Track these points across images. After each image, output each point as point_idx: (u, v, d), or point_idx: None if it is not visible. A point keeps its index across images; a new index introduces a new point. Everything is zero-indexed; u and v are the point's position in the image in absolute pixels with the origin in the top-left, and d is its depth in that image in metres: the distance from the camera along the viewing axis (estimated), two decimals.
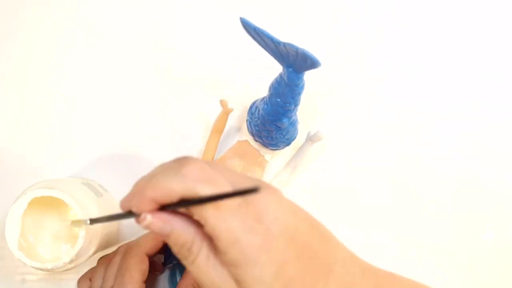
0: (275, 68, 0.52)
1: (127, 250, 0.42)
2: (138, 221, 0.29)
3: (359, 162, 0.50)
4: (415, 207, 0.50)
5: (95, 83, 0.51)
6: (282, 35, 0.52)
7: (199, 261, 0.29)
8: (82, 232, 0.40)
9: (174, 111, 0.51)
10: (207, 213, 0.27)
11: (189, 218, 0.29)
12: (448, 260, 0.49)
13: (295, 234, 0.28)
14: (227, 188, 0.28)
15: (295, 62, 0.37)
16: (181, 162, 0.29)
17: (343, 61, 0.52)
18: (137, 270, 0.41)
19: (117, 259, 0.43)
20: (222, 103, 0.45)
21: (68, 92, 0.51)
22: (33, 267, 0.40)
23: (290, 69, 0.38)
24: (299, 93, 0.41)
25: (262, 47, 0.39)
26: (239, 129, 0.51)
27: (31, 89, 0.51)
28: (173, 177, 0.28)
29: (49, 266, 0.40)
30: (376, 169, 0.50)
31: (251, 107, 0.47)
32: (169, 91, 0.52)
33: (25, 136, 0.50)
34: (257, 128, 0.46)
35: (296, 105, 0.42)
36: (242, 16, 0.36)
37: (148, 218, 0.29)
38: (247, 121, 0.47)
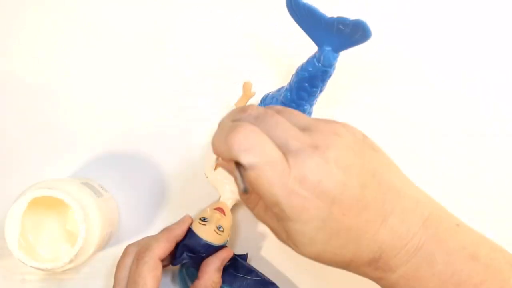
0: (277, 66, 0.52)
1: (139, 254, 0.41)
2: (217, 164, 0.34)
3: None
4: None
5: (95, 83, 0.51)
6: (282, 35, 0.53)
7: (256, 212, 0.33)
8: (81, 232, 0.40)
9: (175, 110, 0.51)
10: (250, 178, 0.28)
11: None
12: None
13: (341, 191, 0.29)
14: (273, 155, 0.28)
15: (339, 39, 0.38)
16: (232, 126, 0.29)
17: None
18: (150, 277, 0.40)
19: (127, 261, 0.42)
20: (246, 86, 0.44)
21: (68, 92, 0.51)
22: (33, 267, 0.40)
23: (329, 48, 0.39)
24: (330, 75, 0.41)
25: (302, 25, 0.39)
26: None
27: (31, 88, 0.51)
28: (223, 143, 0.29)
29: (49, 266, 0.40)
30: None
31: (264, 99, 0.46)
32: (169, 91, 0.52)
33: (25, 136, 0.50)
34: None
35: (322, 90, 0.42)
36: None
37: (221, 163, 0.33)
38: None
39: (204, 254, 0.44)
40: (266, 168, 0.28)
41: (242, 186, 0.29)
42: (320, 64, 0.40)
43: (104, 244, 0.47)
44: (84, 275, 0.49)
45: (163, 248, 0.42)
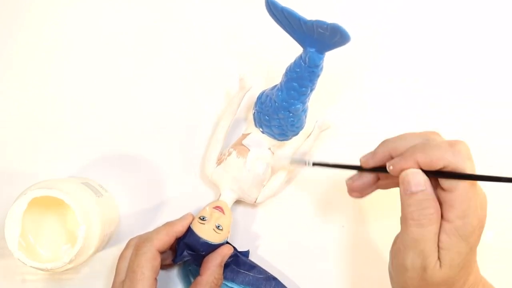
0: (276, 63, 0.52)
1: (138, 245, 0.42)
2: (394, 172, 0.36)
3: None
4: None
5: (95, 82, 0.51)
6: (281, 35, 0.52)
7: (430, 230, 0.35)
8: (81, 232, 0.40)
9: (175, 111, 0.51)
10: (459, 186, 0.34)
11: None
12: None
13: (482, 226, 0.35)
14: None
15: (321, 41, 0.38)
16: (454, 141, 0.36)
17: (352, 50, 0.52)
18: (149, 267, 0.40)
19: (128, 253, 0.43)
20: (242, 80, 0.47)
21: (68, 92, 0.51)
22: (33, 267, 0.40)
23: (313, 50, 0.39)
24: (318, 76, 0.41)
25: (284, 28, 0.39)
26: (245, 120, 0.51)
27: (31, 89, 0.51)
28: (448, 149, 0.35)
29: (49, 266, 0.40)
30: None
31: (260, 97, 0.46)
32: (169, 91, 0.52)
33: (25, 136, 0.50)
34: (267, 118, 0.45)
35: (312, 89, 0.43)
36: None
37: (409, 172, 0.35)
38: (254, 112, 0.47)
39: (203, 253, 0.44)
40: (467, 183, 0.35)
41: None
42: (306, 65, 0.40)
43: (104, 244, 0.47)
44: (84, 275, 0.49)
45: (162, 240, 0.42)
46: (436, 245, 0.35)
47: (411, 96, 0.52)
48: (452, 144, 0.35)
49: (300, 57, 0.41)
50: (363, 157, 0.39)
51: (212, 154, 0.48)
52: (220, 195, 0.47)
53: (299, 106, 0.43)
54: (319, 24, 0.36)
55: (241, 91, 0.48)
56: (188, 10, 0.53)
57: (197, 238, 0.44)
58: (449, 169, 0.34)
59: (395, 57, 0.53)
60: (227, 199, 0.47)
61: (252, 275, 0.46)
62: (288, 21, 0.38)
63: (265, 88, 0.47)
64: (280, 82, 0.43)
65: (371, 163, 0.39)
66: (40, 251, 0.43)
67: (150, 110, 0.51)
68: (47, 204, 0.42)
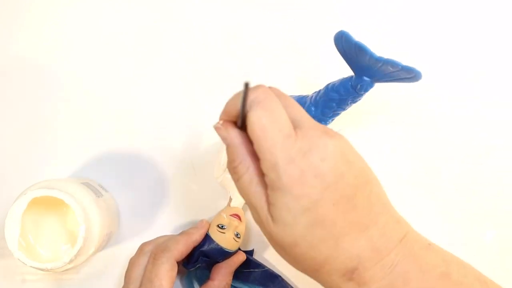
0: (276, 63, 0.52)
1: (156, 254, 0.41)
2: (214, 126, 0.32)
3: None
4: (416, 205, 0.50)
5: (94, 82, 0.51)
6: (281, 35, 0.53)
7: (243, 181, 0.31)
8: (82, 232, 0.40)
9: (175, 111, 0.51)
10: (256, 134, 0.29)
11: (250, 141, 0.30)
12: None
13: (338, 181, 0.29)
14: (282, 119, 0.29)
15: (385, 74, 0.38)
16: (253, 87, 0.30)
17: None
18: (167, 278, 0.40)
19: (142, 260, 0.42)
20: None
21: (67, 92, 0.51)
22: (33, 267, 0.40)
23: (368, 80, 0.39)
24: (358, 100, 0.42)
25: (344, 56, 0.39)
26: None
27: (31, 89, 0.51)
28: (236, 96, 0.31)
29: (49, 266, 0.40)
30: (376, 163, 0.50)
31: None
32: (169, 91, 0.52)
33: (25, 136, 0.50)
34: None
35: (344, 110, 0.43)
36: (343, 30, 0.37)
37: (218, 124, 0.32)
38: None
39: (220, 260, 0.44)
40: (273, 126, 0.29)
41: (239, 121, 0.29)
42: (354, 91, 0.41)
43: (104, 244, 0.47)
44: (84, 275, 0.49)
45: (181, 251, 0.42)
46: (263, 200, 0.30)
47: (412, 96, 0.52)
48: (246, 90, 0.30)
49: (350, 81, 0.41)
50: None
51: (222, 157, 0.48)
52: (230, 198, 0.47)
53: (328, 123, 0.44)
54: (392, 64, 0.37)
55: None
56: (188, 10, 0.53)
57: (218, 247, 0.44)
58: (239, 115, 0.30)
59: (395, 57, 0.53)
60: (240, 204, 0.47)
61: (257, 272, 0.46)
62: (355, 53, 0.38)
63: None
64: (315, 98, 0.43)
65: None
66: (40, 251, 0.43)
67: (150, 110, 0.51)
68: (47, 204, 0.42)
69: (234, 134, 0.31)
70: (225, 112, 0.32)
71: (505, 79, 0.53)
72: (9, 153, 0.50)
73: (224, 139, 0.31)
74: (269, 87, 0.31)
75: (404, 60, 0.52)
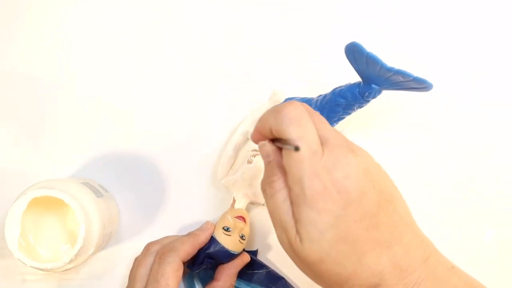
0: (276, 63, 0.52)
1: (162, 254, 0.41)
2: (254, 141, 0.34)
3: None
4: (415, 205, 0.50)
5: (94, 82, 0.51)
6: (281, 35, 0.53)
7: (276, 197, 0.31)
8: (81, 232, 0.40)
9: (174, 110, 0.51)
10: (290, 150, 0.30)
11: None
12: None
13: (361, 198, 0.30)
14: (311, 135, 0.30)
15: (394, 83, 0.38)
16: (285, 103, 0.32)
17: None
18: (173, 278, 0.40)
19: (149, 260, 0.42)
20: (276, 94, 0.46)
21: (67, 92, 0.51)
22: (33, 267, 0.40)
23: (377, 87, 0.39)
24: (364, 106, 0.42)
25: (354, 65, 0.39)
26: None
27: (31, 88, 0.51)
28: (271, 114, 0.32)
29: (49, 266, 0.40)
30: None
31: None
32: (169, 91, 0.52)
33: (25, 136, 0.50)
34: None
35: (349, 114, 0.43)
36: (354, 41, 0.37)
37: (263, 142, 0.33)
38: None
39: (225, 261, 0.45)
40: (302, 142, 0.30)
41: (292, 147, 0.30)
42: (362, 97, 0.41)
43: (104, 244, 0.47)
44: (84, 275, 0.49)
45: (187, 251, 0.42)
46: (290, 216, 0.31)
47: (409, 95, 0.52)
48: (277, 107, 0.32)
49: (358, 88, 0.41)
50: (251, 134, 0.36)
51: (228, 159, 0.48)
52: (233, 200, 0.47)
53: (333, 127, 0.44)
54: (403, 74, 0.37)
55: (271, 104, 0.47)
56: (188, 10, 0.53)
57: (223, 249, 0.44)
58: (275, 133, 0.32)
59: (395, 57, 0.53)
60: (244, 206, 0.47)
61: (261, 273, 0.46)
62: (366, 63, 0.38)
63: (296, 96, 0.47)
64: (320, 101, 0.43)
65: (256, 139, 0.35)
66: (40, 251, 0.43)
67: (149, 110, 0.51)
68: (47, 204, 0.42)
69: (274, 152, 0.32)
70: (259, 128, 0.33)
71: (504, 79, 0.53)
72: (9, 153, 0.50)
73: (267, 157, 0.33)
74: (301, 104, 0.32)
75: (404, 60, 0.52)
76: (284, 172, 0.32)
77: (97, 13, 0.52)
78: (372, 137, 0.52)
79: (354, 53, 0.38)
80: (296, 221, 0.30)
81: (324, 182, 0.29)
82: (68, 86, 0.51)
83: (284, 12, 0.53)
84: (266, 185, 0.32)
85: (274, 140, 0.33)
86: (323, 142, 0.31)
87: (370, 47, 0.49)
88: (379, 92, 0.40)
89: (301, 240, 0.30)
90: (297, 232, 0.31)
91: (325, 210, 0.29)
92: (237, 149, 0.47)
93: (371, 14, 0.53)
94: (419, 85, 0.38)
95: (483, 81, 0.53)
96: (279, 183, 0.32)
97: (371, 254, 0.30)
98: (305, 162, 0.30)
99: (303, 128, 0.30)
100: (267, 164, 0.33)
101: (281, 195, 0.31)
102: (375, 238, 0.30)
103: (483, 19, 0.53)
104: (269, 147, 0.33)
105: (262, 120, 0.33)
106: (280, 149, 0.32)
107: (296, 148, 0.30)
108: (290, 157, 0.30)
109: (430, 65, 0.53)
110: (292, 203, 0.31)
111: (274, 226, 0.33)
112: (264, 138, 0.33)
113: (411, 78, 0.37)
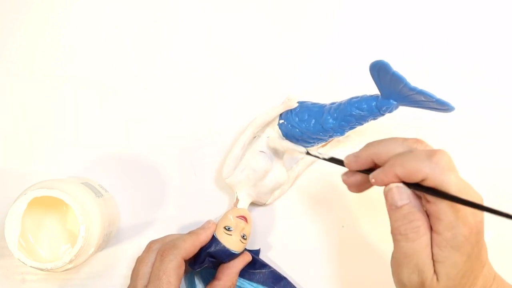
0: (276, 63, 0.52)
1: (164, 251, 0.42)
2: (376, 184, 0.35)
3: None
4: None
5: (94, 82, 0.51)
6: (282, 36, 0.53)
7: (420, 242, 0.34)
8: (82, 232, 0.40)
9: (174, 110, 0.51)
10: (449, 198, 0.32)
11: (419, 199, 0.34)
12: None
13: (476, 237, 0.34)
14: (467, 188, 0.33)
15: (412, 102, 0.39)
16: (433, 150, 0.33)
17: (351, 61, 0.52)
18: (175, 275, 0.40)
19: (151, 257, 0.42)
20: (290, 99, 0.46)
21: (67, 92, 0.51)
22: (33, 267, 0.40)
23: (395, 103, 0.39)
24: (378, 119, 0.42)
25: (376, 81, 0.39)
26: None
27: (31, 89, 0.51)
28: (425, 161, 0.33)
29: (49, 266, 0.40)
30: None
31: (300, 112, 0.45)
32: (169, 91, 0.52)
33: (25, 136, 0.50)
34: (300, 133, 0.45)
35: (362, 125, 0.43)
36: (381, 59, 0.37)
37: (392, 187, 0.34)
38: (287, 123, 0.46)
39: (227, 261, 0.45)
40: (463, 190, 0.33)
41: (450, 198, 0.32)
42: (378, 111, 0.41)
43: (104, 244, 0.47)
44: (84, 275, 0.49)
45: (188, 250, 0.42)
46: (430, 258, 0.34)
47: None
48: (430, 155, 0.33)
49: (375, 101, 0.40)
50: (347, 158, 0.38)
51: (234, 158, 0.47)
52: (236, 199, 0.47)
53: (344, 135, 0.44)
54: (425, 95, 0.37)
55: (283, 108, 0.47)
56: (188, 10, 0.53)
57: (224, 249, 0.44)
58: (429, 181, 0.33)
59: (395, 57, 0.53)
60: (246, 205, 0.47)
61: (263, 272, 0.47)
62: (390, 81, 0.38)
63: (303, 101, 0.46)
64: (334, 110, 0.43)
65: (355, 167, 0.37)
66: (40, 251, 0.43)
67: (149, 110, 0.51)
68: (47, 204, 0.42)
69: (411, 196, 0.34)
70: (396, 173, 0.34)
71: (503, 78, 0.53)
72: (9, 153, 0.50)
73: (402, 200, 0.34)
74: (447, 154, 0.33)
75: (404, 59, 0.53)
76: (426, 216, 0.34)
77: (97, 13, 0.52)
78: (370, 138, 0.52)
79: (380, 71, 0.38)
80: (436, 261, 0.33)
81: (470, 225, 0.33)
82: (68, 86, 0.51)
83: (284, 13, 0.53)
84: (409, 230, 0.34)
85: (410, 184, 0.34)
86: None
87: (370, 48, 0.50)
88: (396, 107, 0.40)
89: (438, 279, 0.33)
90: (435, 272, 0.33)
91: (466, 251, 0.33)
92: (244, 149, 0.47)
93: (371, 14, 0.53)
94: (440, 106, 0.38)
95: (483, 80, 0.53)
96: (423, 228, 0.34)
97: (479, 280, 0.35)
98: (460, 209, 0.32)
99: (457, 173, 0.33)
100: (403, 206, 0.34)
101: (425, 240, 0.34)
102: (476, 267, 0.35)
103: (483, 19, 0.53)
104: (406, 190, 0.34)
105: (407, 165, 0.33)
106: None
107: (456, 200, 0.32)
108: (447, 206, 0.32)
109: (429, 65, 0.53)
110: (433, 245, 0.34)
111: (401, 266, 0.34)
112: (390, 181, 0.34)
113: (434, 99, 0.37)
